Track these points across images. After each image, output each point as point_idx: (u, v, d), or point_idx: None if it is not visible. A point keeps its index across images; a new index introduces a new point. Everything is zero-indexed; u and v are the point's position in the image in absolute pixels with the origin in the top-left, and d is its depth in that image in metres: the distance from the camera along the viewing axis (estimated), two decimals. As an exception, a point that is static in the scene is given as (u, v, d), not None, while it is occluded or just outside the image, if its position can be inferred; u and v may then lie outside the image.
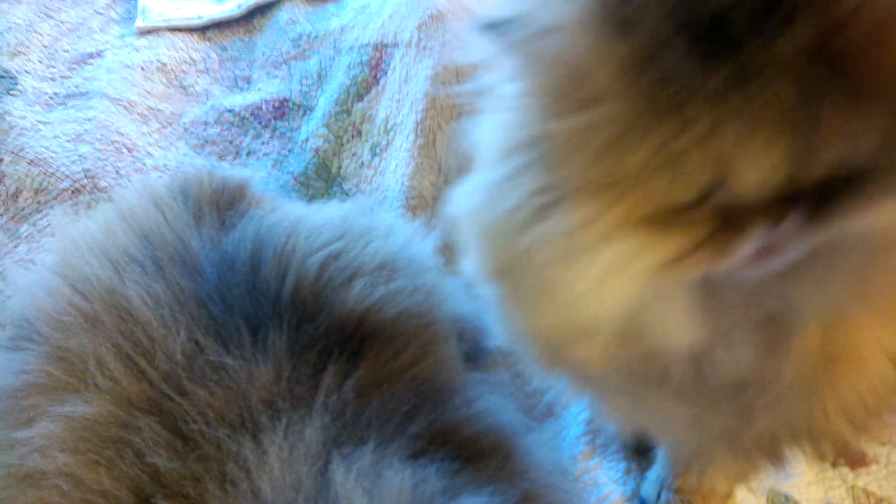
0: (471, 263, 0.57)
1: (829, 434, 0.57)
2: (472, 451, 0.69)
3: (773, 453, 0.60)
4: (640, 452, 0.81)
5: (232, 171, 1.06)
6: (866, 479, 0.88)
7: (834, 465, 0.89)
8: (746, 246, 0.42)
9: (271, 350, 0.69)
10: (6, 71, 1.23)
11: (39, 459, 0.66)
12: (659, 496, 0.77)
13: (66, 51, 1.31)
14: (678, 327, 0.49)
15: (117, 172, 1.08)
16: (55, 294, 0.76)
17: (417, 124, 1.09)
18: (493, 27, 0.46)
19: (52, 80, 1.24)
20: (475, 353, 0.88)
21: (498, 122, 0.51)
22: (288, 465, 0.62)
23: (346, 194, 1.09)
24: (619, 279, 0.45)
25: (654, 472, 0.78)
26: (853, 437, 0.58)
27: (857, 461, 0.89)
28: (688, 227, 0.43)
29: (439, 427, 0.69)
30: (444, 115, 1.10)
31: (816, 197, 0.41)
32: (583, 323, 0.49)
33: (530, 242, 0.47)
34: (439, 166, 1.07)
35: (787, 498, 0.84)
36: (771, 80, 0.38)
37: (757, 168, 0.39)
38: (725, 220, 0.42)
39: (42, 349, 0.73)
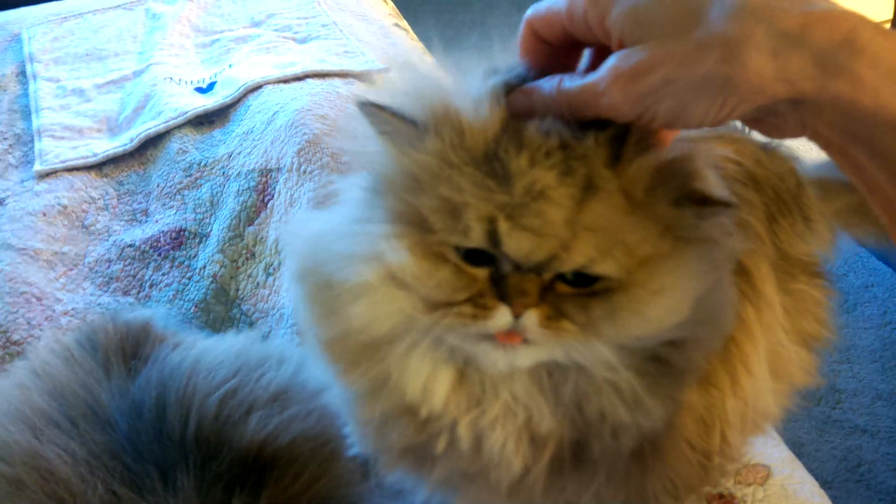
0: (287, 276, 0.65)
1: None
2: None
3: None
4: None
5: (135, 311, 1.14)
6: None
7: (705, 509, 0.99)
8: (499, 318, 0.53)
9: (181, 492, 0.78)
10: None
11: None
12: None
13: (-32, 202, 1.38)
14: (428, 388, 0.58)
15: (28, 323, 1.15)
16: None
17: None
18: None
19: (-44, 233, 1.31)
20: (365, 463, 0.97)
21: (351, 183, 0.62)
22: None
23: (246, 315, 1.18)
24: (393, 297, 0.55)
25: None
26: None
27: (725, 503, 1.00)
28: (462, 275, 0.54)
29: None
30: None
31: (557, 309, 0.53)
32: (354, 339, 0.58)
33: (334, 253, 0.57)
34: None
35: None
36: None
37: (518, 241, 0.51)
38: (492, 288, 0.53)
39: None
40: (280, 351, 0.97)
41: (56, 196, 1.37)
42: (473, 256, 0.54)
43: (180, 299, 1.21)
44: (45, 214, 1.33)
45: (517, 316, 0.53)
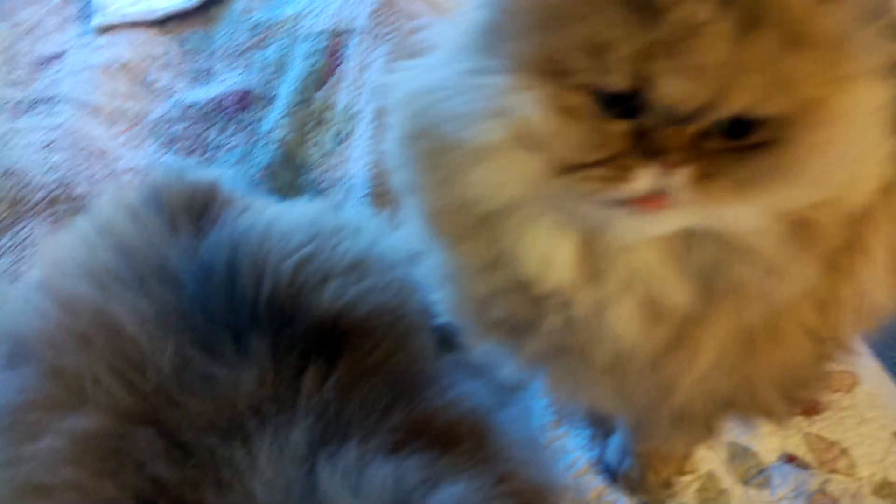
0: (392, 137, 0.59)
1: (757, 406, 0.63)
2: (448, 438, 0.74)
3: (706, 424, 0.65)
4: (602, 421, 0.87)
5: (201, 171, 1.09)
6: (820, 425, 0.95)
7: (789, 414, 0.95)
8: (642, 179, 0.46)
9: (254, 356, 0.74)
10: (-33, 79, 1.25)
11: (46, 473, 0.71)
12: (621, 461, 0.83)
13: (27, 53, 1.32)
14: (548, 262, 0.52)
15: (90, 179, 1.11)
16: (46, 315, 0.80)
17: (377, 112, 1.13)
18: None
19: (16, 85, 1.26)
20: (447, 339, 0.93)
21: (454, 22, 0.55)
22: (277, 468, 0.68)
23: (313, 184, 1.13)
24: (519, 160, 0.49)
25: (616, 439, 0.84)
26: (784, 408, 0.64)
27: (811, 409, 0.96)
28: (600, 131, 0.47)
29: (416, 418, 0.75)
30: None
31: (711, 166, 0.46)
32: (471, 209, 0.53)
33: (449, 112, 0.51)
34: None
35: (745, 450, 0.90)
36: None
37: (672, 84, 0.44)
38: (634, 146, 0.46)
39: (39, 368, 0.77)
40: (356, 220, 0.92)
41: (116, 51, 1.31)
42: (613, 107, 0.47)
43: (246, 164, 1.16)
44: (105, 69, 1.27)
45: (663, 175, 0.46)
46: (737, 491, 0.86)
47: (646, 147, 0.46)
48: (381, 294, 0.83)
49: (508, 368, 0.67)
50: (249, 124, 1.21)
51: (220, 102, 1.24)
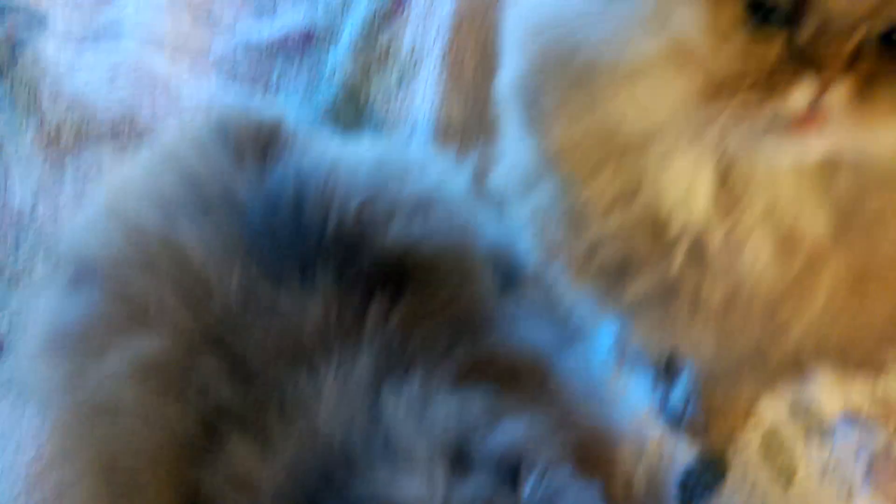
0: (512, 73, 0.57)
1: (859, 350, 0.61)
2: (510, 377, 0.74)
3: (797, 370, 0.64)
4: (666, 368, 0.86)
5: (265, 107, 1.09)
6: (884, 385, 0.93)
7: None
8: (798, 94, 0.44)
9: (319, 288, 0.74)
10: (34, 11, 1.25)
11: (111, 393, 0.72)
12: (685, 409, 0.82)
13: (92, -14, 1.32)
14: (689, 194, 0.51)
15: (153, 112, 1.11)
16: (111, 239, 0.80)
17: (444, 52, 1.11)
18: None
19: (81, 18, 1.26)
20: (510, 279, 0.92)
21: None
22: (342, 397, 0.68)
23: (376, 125, 1.12)
24: (669, 81, 0.47)
25: (681, 386, 0.83)
26: (884, 352, 0.62)
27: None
28: (756, 45, 0.45)
29: (479, 356, 0.74)
30: (471, 39, 1.11)
31: (869, 83, 0.44)
32: (610, 137, 0.51)
33: (592, 36, 0.49)
34: (467, 94, 1.09)
35: (808, 406, 0.88)
36: None
37: None
38: (790, 61, 0.44)
39: (104, 290, 0.78)
40: (423, 160, 0.91)
41: (181, -14, 1.30)
42: (769, 21, 0.45)
43: (309, 102, 1.15)
44: (170, 4, 1.26)
45: (820, 91, 0.43)
46: (799, 445, 0.85)
47: (803, 61, 0.44)
48: (447, 233, 0.82)
49: (592, 313, 0.65)
50: (313, 62, 1.20)
51: (284, 40, 1.23)
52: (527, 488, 0.60)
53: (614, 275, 0.58)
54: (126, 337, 0.73)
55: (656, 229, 0.53)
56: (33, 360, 0.85)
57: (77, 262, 0.84)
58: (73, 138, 1.10)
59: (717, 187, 0.51)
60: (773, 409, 0.86)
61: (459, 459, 0.61)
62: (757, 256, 0.51)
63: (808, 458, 0.85)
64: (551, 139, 0.53)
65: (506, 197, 0.66)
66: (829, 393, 0.90)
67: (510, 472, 0.61)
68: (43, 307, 0.87)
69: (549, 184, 0.58)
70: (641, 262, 0.56)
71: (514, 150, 0.61)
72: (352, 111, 1.14)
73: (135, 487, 0.70)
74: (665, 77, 0.47)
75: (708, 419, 0.82)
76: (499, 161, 0.67)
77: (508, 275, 0.92)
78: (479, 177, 0.97)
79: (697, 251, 0.53)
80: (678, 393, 0.83)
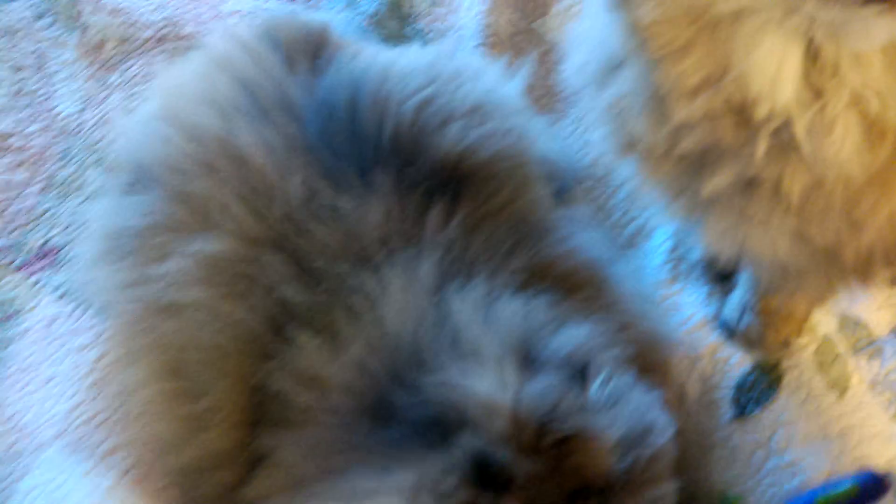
0: None
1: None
2: (570, 284, 0.74)
3: (864, 273, 0.63)
4: (721, 278, 0.86)
5: (310, 15, 1.07)
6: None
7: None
8: None
9: (379, 191, 0.74)
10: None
11: (176, 293, 0.73)
12: (740, 318, 0.82)
13: None
14: (777, 76, 0.49)
15: (197, 19, 1.09)
16: (168, 142, 0.80)
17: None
18: None
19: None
20: (560, 192, 0.92)
21: None
22: (408, 297, 0.68)
23: (420, 34, 1.10)
24: None
25: (736, 296, 0.83)
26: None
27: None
28: None
29: (538, 262, 0.74)
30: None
31: None
32: (701, 11, 0.49)
33: None
34: (515, 2, 1.07)
35: (857, 321, 0.88)
36: None
37: None
38: None
39: (163, 192, 0.78)
40: (474, 65, 0.90)
41: None
42: None
43: (352, 11, 1.13)
44: None
45: None
46: (849, 359, 0.85)
47: None
48: (502, 139, 0.81)
49: (661, 214, 0.65)
50: (354, -28, 1.17)
51: (325, -53, 1.20)
52: (594, 387, 0.61)
53: (694, 167, 0.58)
54: (189, 238, 0.74)
55: (742, 114, 0.52)
56: (92, 265, 0.85)
57: (133, 167, 0.84)
58: (117, 48, 1.09)
59: (805, 70, 0.49)
60: (824, 323, 0.86)
61: (527, 359, 0.62)
62: (842, 144, 0.50)
63: (859, 371, 0.85)
64: (642, 14, 0.52)
65: (580, 89, 0.65)
66: (876, 310, 0.90)
67: (577, 372, 0.61)
68: (100, 213, 0.87)
69: (632, 68, 0.57)
70: (724, 150, 0.55)
71: (595, 35, 0.59)
72: (395, 21, 1.12)
73: (202, 385, 0.71)
74: None
75: (763, 329, 0.82)
76: (573, 52, 0.65)
77: (559, 187, 0.92)
78: (530, 88, 0.96)
79: (782, 138, 0.52)
80: (733, 303, 0.84)
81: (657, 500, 0.62)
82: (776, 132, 0.52)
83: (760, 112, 0.51)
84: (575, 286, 0.75)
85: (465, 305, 0.67)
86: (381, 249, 0.71)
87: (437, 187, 0.75)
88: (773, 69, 0.49)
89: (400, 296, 0.68)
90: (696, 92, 0.52)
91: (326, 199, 0.73)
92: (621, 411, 0.61)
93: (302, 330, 0.68)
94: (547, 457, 0.57)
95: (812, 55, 0.49)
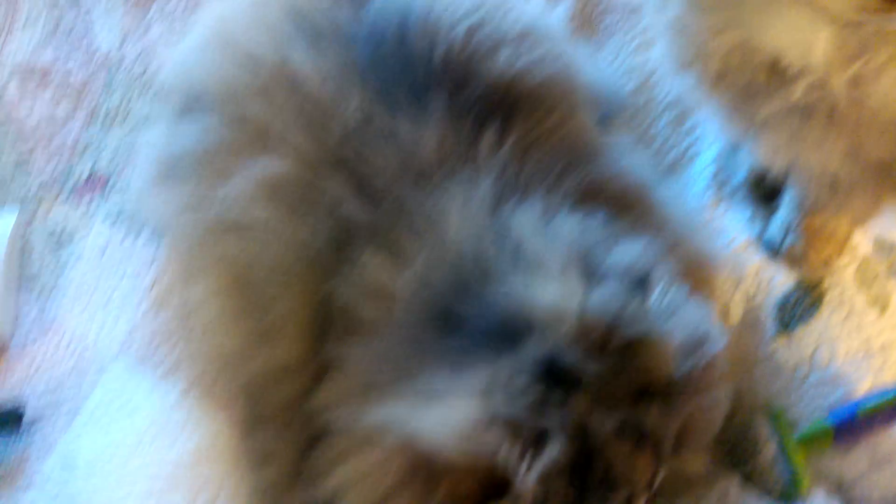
0: None
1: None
2: (621, 204, 0.76)
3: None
4: (765, 200, 0.88)
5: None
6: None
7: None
8: None
9: (433, 114, 0.75)
10: None
11: (240, 213, 0.74)
12: (784, 239, 0.84)
13: None
14: (807, 44, 0.52)
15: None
16: (223, 68, 0.81)
17: None
18: None
19: None
20: (602, 119, 0.93)
21: None
22: (468, 214, 0.70)
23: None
24: None
25: (780, 217, 0.85)
26: None
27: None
28: None
29: (590, 183, 0.76)
30: None
31: None
32: None
33: None
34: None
35: (891, 246, 0.90)
36: None
37: None
38: None
39: (220, 117, 0.79)
40: (519, -6, 0.90)
41: None
42: None
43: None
44: None
45: None
46: (888, 278, 0.87)
47: None
48: (552, 65, 0.82)
49: (720, 128, 0.66)
50: None
51: None
52: (655, 296, 0.63)
53: (748, 93, 0.59)
54: (250, 159, 0.75)
55: (774, 68, 0.53)
56: (147, 188, 0.87)
57: (186, 94, 0.85)
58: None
59: (840, 40, 0.51)
60: (862, 245, 0.88)
61: (589, 269, 0.64)
62: (886, 92, 0.52)
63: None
64: None
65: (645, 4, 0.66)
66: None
67: (638, 282, 0.63)
68: (153, 140, 0.89)
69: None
70: (766, 91, 0.56)
71: None
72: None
73: (268, 301, 0.73)
74: None
75: (806, 249, 0.84)
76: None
77: (603, 113, 0.93)
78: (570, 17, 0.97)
79: (821, 89, 0.53)
80: (777, 224, 0.85)
81: (712, 404, 0.65)
82: (813, 82, 0.53)
83: (791, 71, 0.52)
84: (625, 206, 0.76)
85: (525, 220, 0.69)
86: (438, 170, 0.73)
87: (489, 111, 0.77)
88: (803, 43, 0.50)
89: (460, 213, 0.70)
90: (729, 54, 0.53)
91: (383, 123, 0.75)
92: (680, 320, 0.63)
93: (365, 248, 0.70)
94: (613, 359, 0.59)
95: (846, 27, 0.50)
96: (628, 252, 0.68)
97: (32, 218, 0.99)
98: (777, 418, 0.77)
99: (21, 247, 0.97)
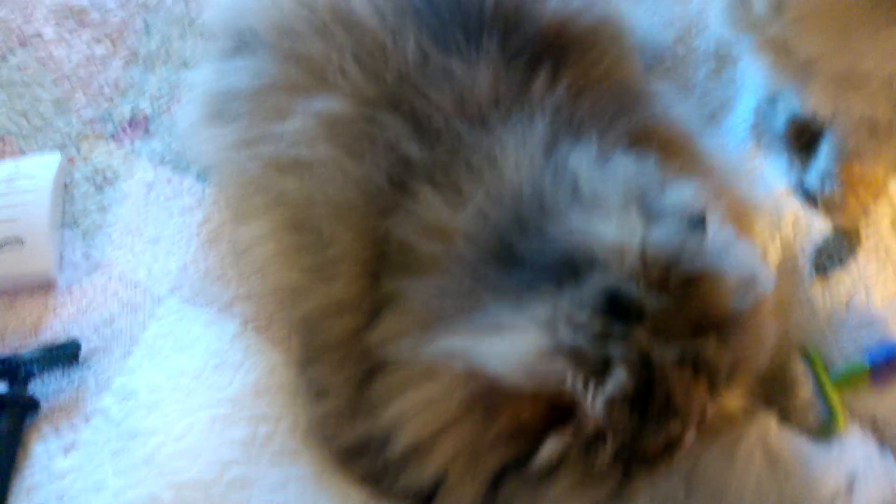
0: None
1: None
2: (671, 149, 0.77)
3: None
4: (803, 148, 0.89)
5: None
6: None
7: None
8: None
9: (486, 55, 0.76)
10: None
11: (299, 150, 0.75)
12: (822, 186, 0.86)
13: None
14: None
15: None
16: (278, 6, 0.82)
17: None
18: None
19: None
20: (649, 64, 0.94)
21: None
22: (525, 153, 0.71)
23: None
24: None
25: (819, 165, 0.87)
26: None
27: None
28: None
29: (641, 128, 0.77)
30: None
31: None
32: None
33: None
34: None
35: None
36: None
37: None
38: None
39: (275, 55, 0.80)
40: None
41: None
42: None
43: None
44: None
45: None
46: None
47: None
48: (602, 9, 0.84)
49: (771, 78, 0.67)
50: None
51: None
52: (711, 235, 0.65)
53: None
54: (307, 97, 0.76)
55: None
56: (195, 128, 0.88)
57: (236, 32, 0.86)
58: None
59: None
60: (896, 193, 0.90)
61: (647, 207, 0.65)
62: None
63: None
64: None
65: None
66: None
67: (695, 220, 0.65)
68: (201, 78, 0.90)
69: None
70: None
71: None
72: None
73: (326, 238, 0.74)
74: None
75: (844, 196, 0.85)
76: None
77: (646, 61, 0.95)
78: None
79: None
80: (816, 171, 0.87)
81: (763, 339, 0.67)
82: None
83: None
84: (674, 152, 0.78)
85: (581, 160, 0.70)
86: (493, 111, 0.74)
87: (541, 54, 0.78)
88: None
89: (517, 152, 0.71)
90: None
91: (438, 63, 0.76)
92: (734, 259, 0.65)
93: (423, 185, 0.71)
94: (674, 293, 0.61)
95: None
96: (682, 193, 0.69)
97: (75, 159, 1.00)
98: (813, 359, 0.80)
99: (64, 187, 0.97)
